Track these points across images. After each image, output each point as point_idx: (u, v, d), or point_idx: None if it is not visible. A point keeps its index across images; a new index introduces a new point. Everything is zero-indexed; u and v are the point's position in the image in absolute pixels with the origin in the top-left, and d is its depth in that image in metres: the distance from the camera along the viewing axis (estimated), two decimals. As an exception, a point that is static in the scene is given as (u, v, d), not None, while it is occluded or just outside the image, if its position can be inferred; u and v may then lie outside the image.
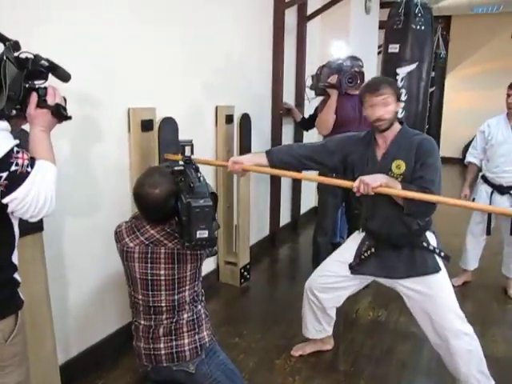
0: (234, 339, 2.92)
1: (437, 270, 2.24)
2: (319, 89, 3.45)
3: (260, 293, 3.70)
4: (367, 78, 3.24)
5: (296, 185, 5.02)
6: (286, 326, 3.08)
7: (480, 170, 3.63)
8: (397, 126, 2.22)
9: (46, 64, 1.39)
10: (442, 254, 2.28)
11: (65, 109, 1.43)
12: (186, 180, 1.83)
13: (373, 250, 2.38)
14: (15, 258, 1.41)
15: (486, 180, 3.53)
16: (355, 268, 2.43)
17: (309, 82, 3.53)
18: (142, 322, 1.89)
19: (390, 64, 3.78)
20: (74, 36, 2.24)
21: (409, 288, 2.32)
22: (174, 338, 1.86)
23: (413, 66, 3.66)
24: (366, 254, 2.40)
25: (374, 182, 1.98)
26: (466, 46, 9.50)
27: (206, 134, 3.42)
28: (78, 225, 2.41)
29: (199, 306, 1.94)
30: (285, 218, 4.88)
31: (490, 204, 3.44)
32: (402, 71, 3.65)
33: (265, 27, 4.10)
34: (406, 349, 2.86)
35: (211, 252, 2.00)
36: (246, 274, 3.76)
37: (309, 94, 3.51)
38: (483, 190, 3.53)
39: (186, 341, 1.86)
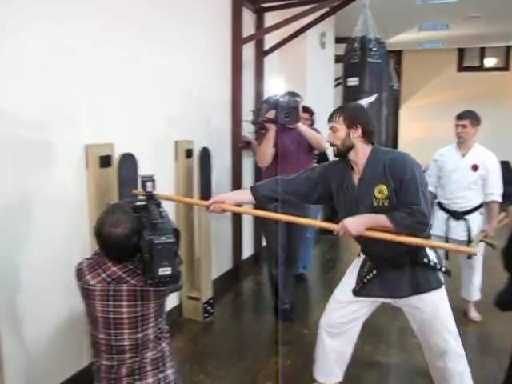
0: (199, 376, 2.86)
1: (439, 284, 2.26)
2: (259, 123, 3.54)
3: (224, 327, 3.65)
4: (324, 110, 3.34)
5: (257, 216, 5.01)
6: (251, 361, 3.04)
7: (435, 197, 3.75)
8: (366, 150, 2.23)
9: None
10: (443, 269, 2.28)
11: None
12: (148, 216, 1.80)
13: (374, 272, 2.35)
14: None
15: (441, 206, 3.65)
16: (359, 292, 2.39)
17: (250, 116, 3.62)
18: (104, 363, 1.82)
19: (350, 96, 3.91)
20: (32, 71, 2.23)
21: (413, 306, 2.30)
22: (137, 377, 1.80)
23: (373, 98, 3.79)
24: (368, 277, 2.36)
25: (356, 231, 2.07)
26: (417, 79, 9.91)
27: (166, 168, 3.41)
28: (34, 263, 2.33)
29: (163, 344, 1.89)
30: (247, 250, 4.87)
31: (447, 229, 3.56)
32: (363, 102, 3.77)
33: (224, 62, 4.18)
34: (372, 378, 2.87)
35: (175, 287, 1.97)
36: (209, 308, 3.70)
37: (250, 128, 3.64)
38: (439, 216, 3.64)
39: (150, 380, 1.81)
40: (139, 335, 1.79)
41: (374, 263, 2.37)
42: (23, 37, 2.18)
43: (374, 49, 3.80)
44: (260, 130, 3.62)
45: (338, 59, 6.41)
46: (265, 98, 4.76)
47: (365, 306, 2.44)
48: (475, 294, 3.70)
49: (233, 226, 4.47)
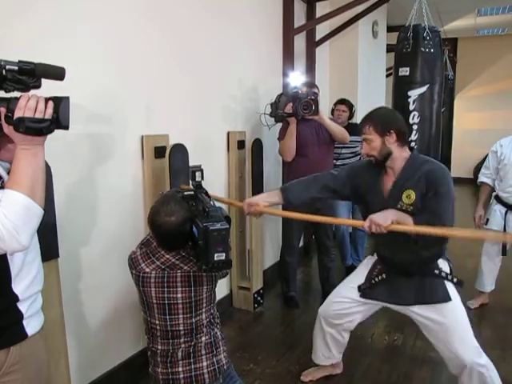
0: (249, 365, 2.90)
1: (446, 299, 2.20)
2: (278, 116, 3.49)
3: (274, 318, 3.67)
4: (375, 100, 3.27)
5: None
6: (301, 352, 3.05)
7: (493, 189, 3.61)
8: (403, 155, 2.20)
9: (15, 68, 1.15)
10: (455, 280, 2.25)
11: (36, 121, 1.16)
12: (197, 205, 1.86)
13: (384, 275, 2.36)
14: (18, 288, 1.27)
15: (499, 200, 3.51)
16: (365, 292, 2.40)
17: (268, 109, 3.58)
18: (160, 347, 1.88)
19: (401, 87, 3.83)
20: (89, 65, 2.30)
21: (420, 315, 2.29)
22: (192, 360, 1.85)
23: (424, 89, 3.70)
24: (376, 279, 2.38)
25: (384, 221, 1.98)
26: (473, 68, 9.58)
27: (219, 159, 3.45)
28: (94, 249, 2.42)
29: (216, 329, 1.95)
30: (297, 241, 4.84)
31: (505, 223, 3.43)
32: (414, 93, 3.70)
33: (275, 53, 4.18)
34: (424, 374, 2.81)
35: (223, 273, 2.01)
36: (259, 298, 3.74)
37: (268, 121, 3.59)
38: (497, 209, 3.51)
39: (205, 363, 1.86)
40: (193, 320, 1.85)
41: (385, 267, 2.37)
42: (86, 32, 2.25)
43: (427, 37, 3.70)
44: (280, 122, 3.59)
45: (389, 49, 6.29)
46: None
47: (366, 306, 2.46)
48: None
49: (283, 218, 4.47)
